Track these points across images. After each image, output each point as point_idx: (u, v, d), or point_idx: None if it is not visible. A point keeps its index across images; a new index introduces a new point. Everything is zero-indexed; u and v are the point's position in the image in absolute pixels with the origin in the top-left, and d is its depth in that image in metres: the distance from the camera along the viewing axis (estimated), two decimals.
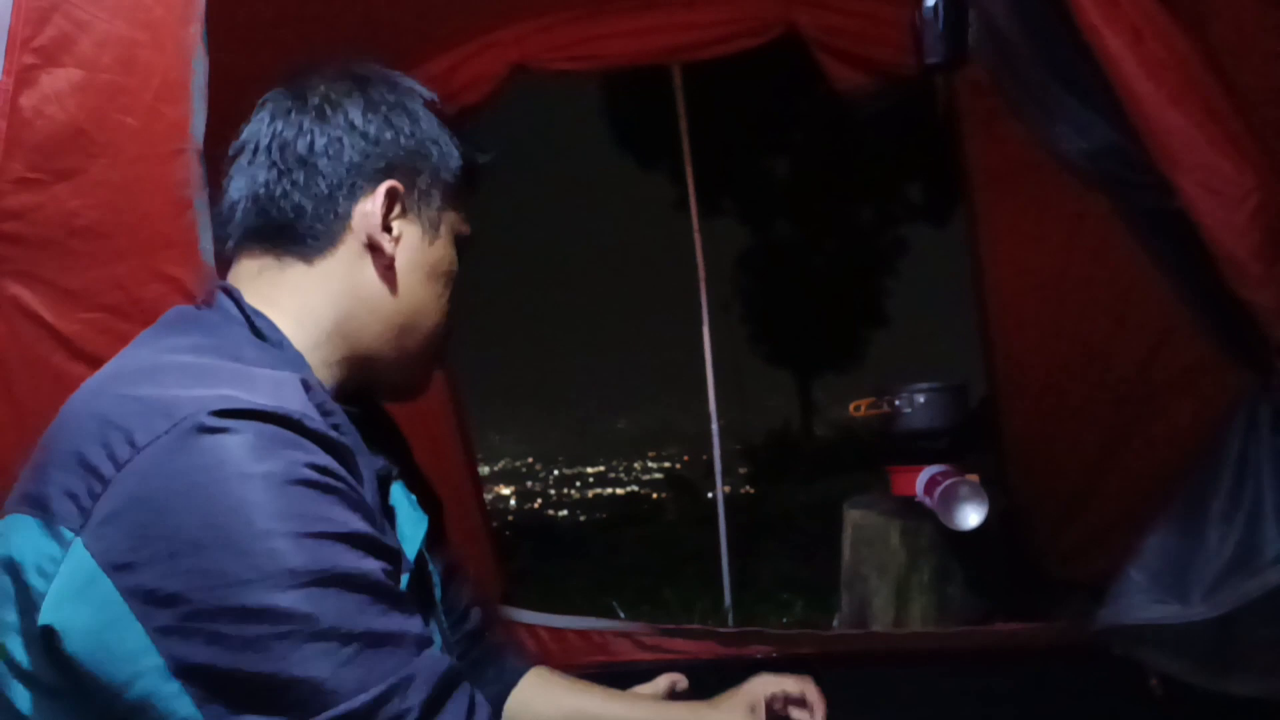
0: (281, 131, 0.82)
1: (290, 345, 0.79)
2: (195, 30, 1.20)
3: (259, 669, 0.61)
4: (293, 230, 0.81)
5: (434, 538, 0.94)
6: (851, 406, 2.28)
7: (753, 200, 13.48)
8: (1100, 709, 1.65)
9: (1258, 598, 1.20)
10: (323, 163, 0.81)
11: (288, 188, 0.81)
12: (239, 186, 0.83)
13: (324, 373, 0.82)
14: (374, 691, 0.63)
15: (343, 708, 0.62)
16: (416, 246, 0.85)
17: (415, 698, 0.64)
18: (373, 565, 0.66)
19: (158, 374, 0.69)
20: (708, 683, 1.15)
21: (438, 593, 0.96)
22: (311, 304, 0.81)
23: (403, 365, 0.87)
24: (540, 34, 2.52)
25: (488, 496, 3.95)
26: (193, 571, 0.61)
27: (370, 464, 0.77)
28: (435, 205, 0.86)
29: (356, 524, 0.66)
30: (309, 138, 0.81)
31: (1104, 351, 2.27)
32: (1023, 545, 2.47)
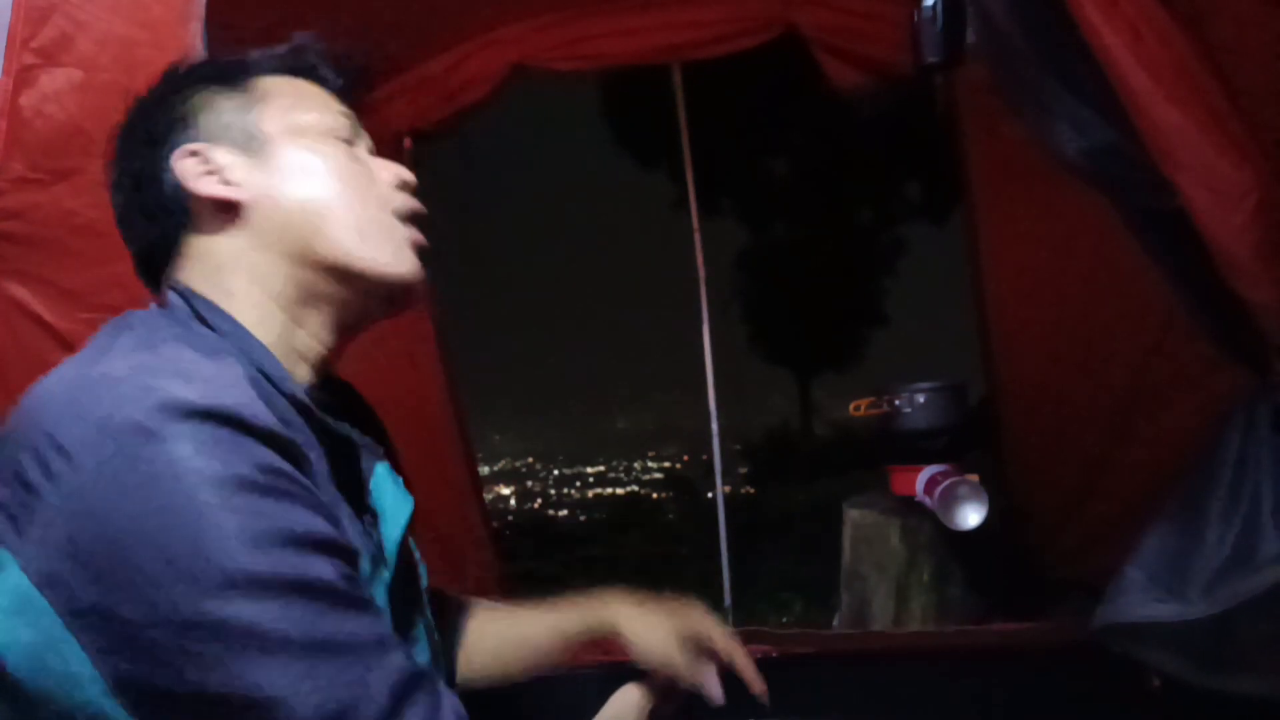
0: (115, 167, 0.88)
1: (244, 332, 0.78)
2: (195, 30, 1.20)
3: (205, 686, 0.58)
4: (153, 249, 0.84)
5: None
6: (851, 406, 2.28)
7: (752, 200, 13.49)
8: (1100, 708, 1.65)
9: (1257, 596, 1.20)
10: (140, 189, 0.84)
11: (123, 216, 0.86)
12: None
13: (301, 338, 0.82)
14: (332, 702, 0.59)
15: None
16: (248, 167, 0.82)
17: (378, 705, 0.61)
18: (325, 567, 0.63)
19: (92, 376, 0.66)
20: None
21: (423, 580, 0.96)
22: (233, 283, 0.81)
23: (359, 263, 0.82)
24: (540, 33, 2.51)
25: (488, 496, 3.95)
26: (130, 585, 0.58)
27: (323, 454, 0.75)
28: (238, 125, 0.83)
29: (307, 522, 0.63)
30: (119, 169, 0.86)
31: (1103, 351, 2.27)
32: (1022, 545, 2.47)
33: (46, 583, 0.59)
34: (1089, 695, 1.65)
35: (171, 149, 0.82)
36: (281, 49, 0.90)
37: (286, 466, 0.65)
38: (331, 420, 0.78)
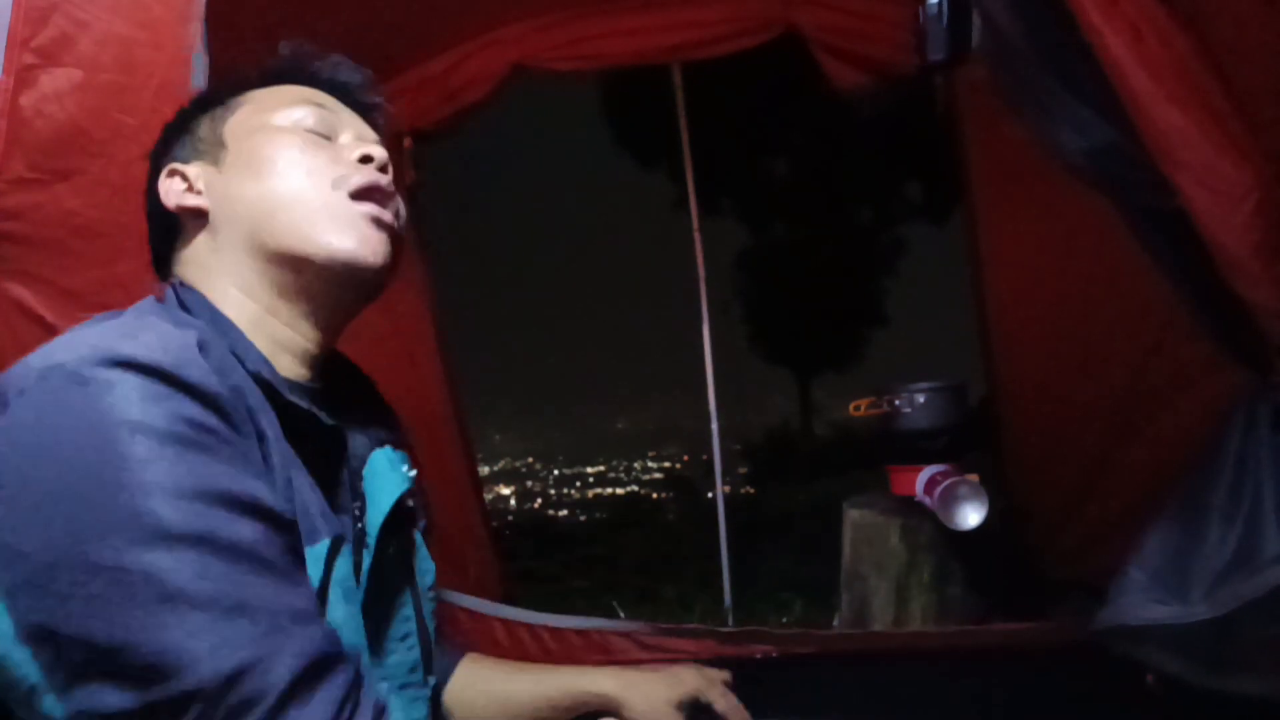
0: None
1: (222, 317, 0.80)
2: (195, 30, 1.20)
3: (104, 633, 0.57)
4: (159, 253, 0.91)
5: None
6: (851, 406, 2.28)
7: (752, 200, 13.49)
8: (1100, 708, 1.65)
9: (1258, 597, 1.20)
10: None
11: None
12: None
13: (280, 330, 0.84)
14: (229, 665, 0.57)
15: (191, 681, 0.56)
16: (211, 175, 0.87)
17: (278, 676, 0.58)
18: (244, 528, 0.62)
19: (54, 342, 0.67)
20: None
21: (427, 578, 0.95)
22: (212, 280, 0.85)
23: (304, 247, 0.82)
24: (540, 33, 2.51)
25: (488, 496, 3.95)
26: (45, 526, 0.58)
27: (280, 430, 0.74)
28: (210, 140, 0.89)
29: (231, 481, 0.62)
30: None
31: (1103, 350, 2.27)
32: (1022, 545, 2.47)
33: None
34: (1089, 695, 1.65)
35: (160, 171, 0.90)
36: (268, 61, 0.95)
37: (219, 424, 0.64)
38: (306, 403, 0.78)
